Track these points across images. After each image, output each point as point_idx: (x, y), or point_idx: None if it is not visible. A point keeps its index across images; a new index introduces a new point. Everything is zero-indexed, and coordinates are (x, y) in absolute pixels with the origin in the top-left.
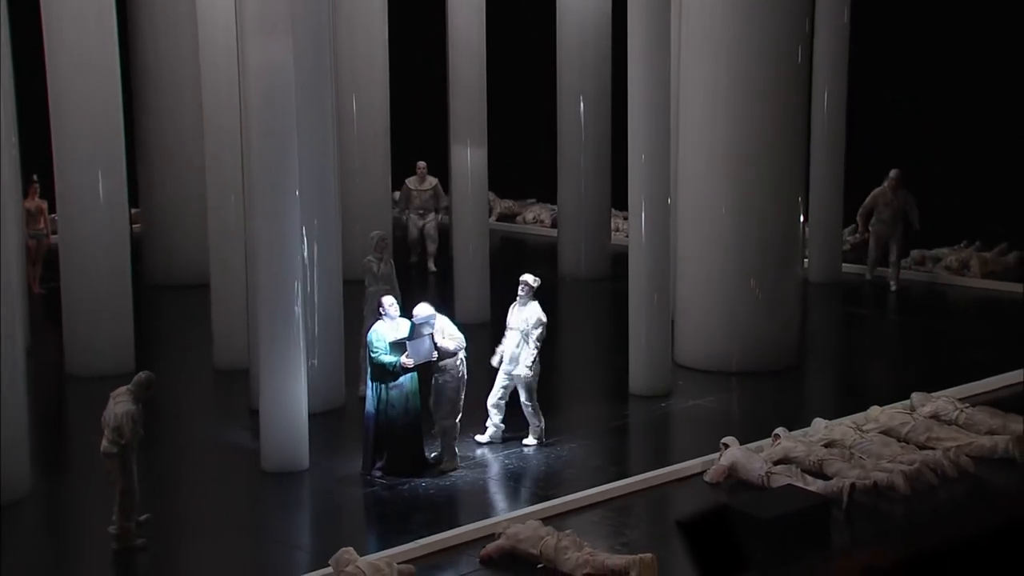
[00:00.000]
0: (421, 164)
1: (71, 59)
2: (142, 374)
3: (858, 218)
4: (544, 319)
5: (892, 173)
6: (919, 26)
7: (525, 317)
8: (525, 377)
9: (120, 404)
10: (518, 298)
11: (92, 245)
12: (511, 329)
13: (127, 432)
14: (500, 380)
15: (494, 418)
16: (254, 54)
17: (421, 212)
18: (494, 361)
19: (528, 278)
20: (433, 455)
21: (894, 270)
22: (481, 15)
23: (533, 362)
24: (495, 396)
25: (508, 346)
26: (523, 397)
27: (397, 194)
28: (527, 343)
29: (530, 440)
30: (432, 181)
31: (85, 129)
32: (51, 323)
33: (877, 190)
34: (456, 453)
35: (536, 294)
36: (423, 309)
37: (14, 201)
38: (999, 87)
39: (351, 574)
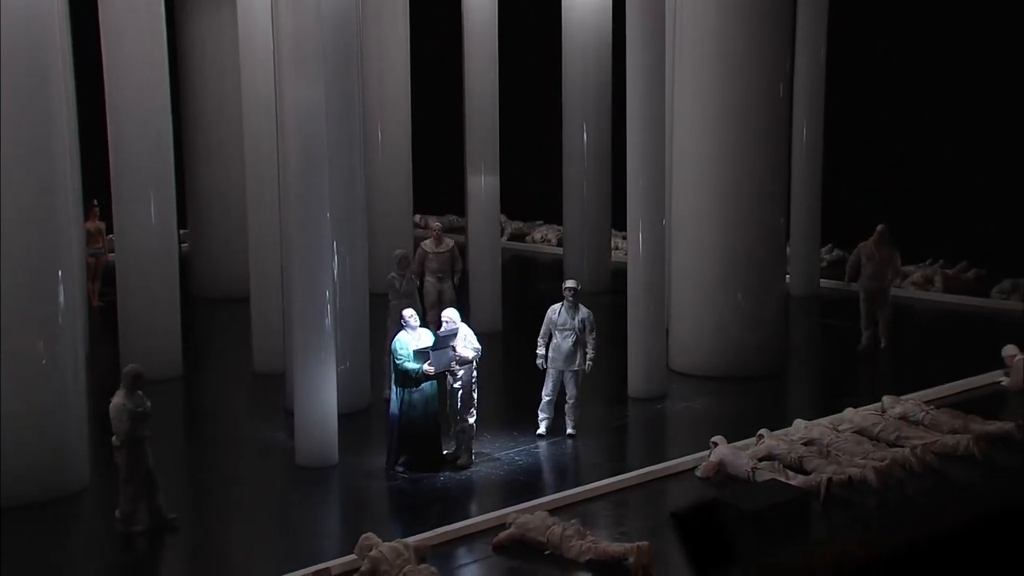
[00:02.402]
0: (436, 225)
1: (128, 97)
2: (128, 367)
3: (847, 269)
4: (593, 317)
5: (878, 228)
6: (888, 63)
7: (581, 318)
8: (586, 371)
9: (113, 399)
10: (565, 301)
11: (145, 262)
12: (564, 330)
13: (113, 425)
14: (552, 376)
15: (547, 412)
16: (290, 91)
17: (439, 276)
18: (540, 363)
19: (572, 283)
20: (446, 452)
21: (882, 325)
22: (494, 54)
23: (592, 358)
24: (548, 391)
25: (563, 345)
26: (572, 391)
27: (419, 216)
28: (583, 342)
29: (571, 430)
30: (448, 243)
31: (139, 159)
32: (108, 332)
33: (863, 243)
34: (472, 451)
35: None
36: (451, 314)
37: (76, 223)
38: (963, 120)
39: (374, 557)
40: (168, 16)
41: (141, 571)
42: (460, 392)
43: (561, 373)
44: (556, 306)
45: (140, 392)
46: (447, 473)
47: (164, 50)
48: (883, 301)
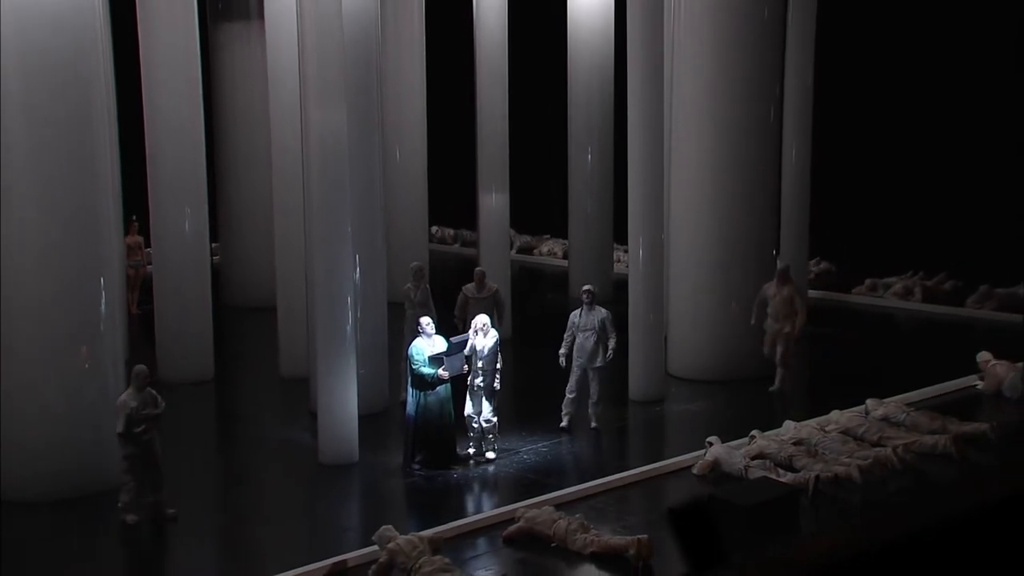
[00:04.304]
0: (479, 270)
1: (164, 122)
2: (135, 367)
3: (755, 308)
4: (611, 315)
5: (778, 267)
6: (871, 88)
7: (601, 318)
8: (599, 368)
9: (121, 395)
10: (584, 304)
11: (180, 274)
12: (585, 330)
13: (117, 418)
14: (576, 374)
15: (570, 407)
16: (314, 114)
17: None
18: (561, 361)
19: (588, 287)
20: (466, 452)
21: (781, 369)
22: (504, 79)
23: (609, 354)
24: (572, 387)
25: (586, 344)
26: (595, 387)
27: (435, 228)
28: (604, 340)
29: (595, 424)
30: (492, 288)
31: (175, 179)
32: (146, 338)
33: (767, 283)
34: (496, 445)
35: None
36: (484, 319)
37: (117, 237)
38: (942, 140)
39: (392, 549)
40: (202, 46)
41: (171, 561)
42: (483, 393)
43: (585, 371)
44: (577, 310)
45: (152, 391)
46: (460, 471)
47: (199, 78)
48: (784, 342)
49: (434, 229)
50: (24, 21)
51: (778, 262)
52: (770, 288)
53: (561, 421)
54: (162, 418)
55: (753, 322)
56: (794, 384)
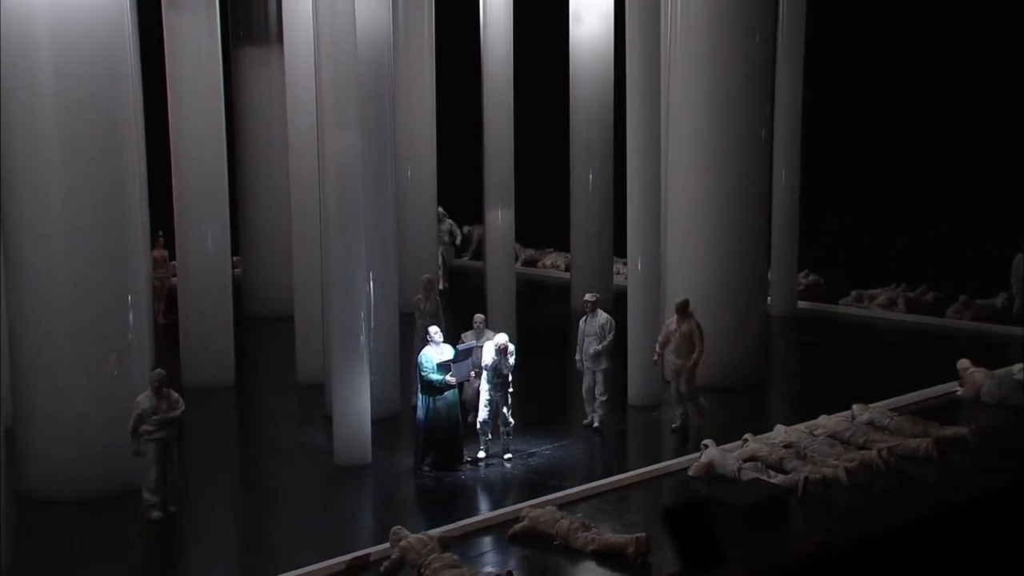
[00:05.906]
0: (478, 317)
1: (189, 144)
2: (152, 371)
3: (657, 347)
4: (613, 321)
5: (677, 302)
6: (856, 110)
7: (601, 324)
8: (605, 369)
9: (138, 397)
10: (587, 313)
11: (203, 286)
12: (589, 336)
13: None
14: (587, 376)
15: (590, 405)
16: (330, 137)
17: (477, 372)
18: (579, 366)
19: (588, 295)
20: (479, 455)
21: (688, 405)
22: (510, 102)
23: (602, 353)
24: (587, 388)
25: (590, 349)
26: (599, 388)
27: (467, 228)
28: (604, 344)
29: (596, 424)
30: (490, 336)
31: (198, 197)
32: (171, 347)
33: (669, 319)
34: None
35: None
36: (502, 338)
37: (144, 253)
38: (925, 160)
39: (403, 547)
40: (225, 74)
41: (193, 556)
42: (502, 403)
43: (593, 373)
44: (583, 318)
45: (174, 394)
46: (468, 472)
47: (221, 100)
48: (686, 379)
49: (466, 229)
50: (59, 52)
51: (679, 296)
52: (671, 323)
53: (586, 419)
54: (183, 420)
55: (655, 358)
56: (703, 420)
